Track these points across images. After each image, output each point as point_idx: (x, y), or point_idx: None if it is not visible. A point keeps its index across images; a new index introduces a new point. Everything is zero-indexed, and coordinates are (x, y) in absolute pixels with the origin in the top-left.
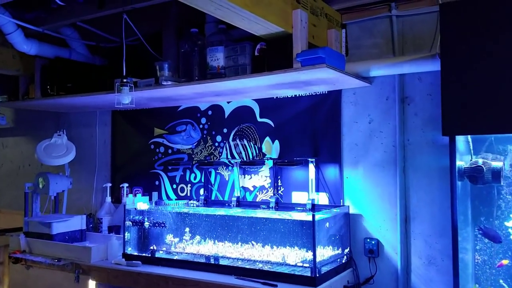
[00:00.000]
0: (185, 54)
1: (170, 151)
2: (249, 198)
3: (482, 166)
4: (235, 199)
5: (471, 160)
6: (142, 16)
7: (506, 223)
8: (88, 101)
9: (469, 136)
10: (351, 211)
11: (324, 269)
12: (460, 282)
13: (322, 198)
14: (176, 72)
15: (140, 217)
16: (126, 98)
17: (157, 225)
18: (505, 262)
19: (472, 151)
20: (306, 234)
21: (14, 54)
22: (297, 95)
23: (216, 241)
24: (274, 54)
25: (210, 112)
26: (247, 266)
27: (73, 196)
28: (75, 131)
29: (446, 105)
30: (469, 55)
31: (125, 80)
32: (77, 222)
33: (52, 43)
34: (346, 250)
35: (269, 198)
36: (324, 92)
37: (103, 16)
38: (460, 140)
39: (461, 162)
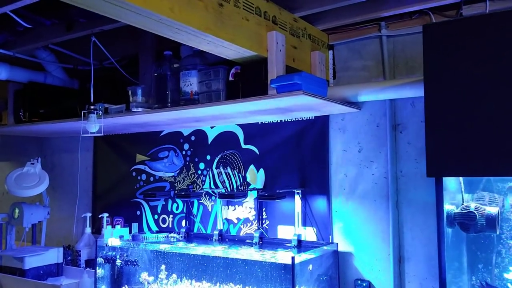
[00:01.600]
0: (159, 78)
1: (152, 178)
2: (233, 231)
3: (475, 212)
4: (217, 232)
5: (462, 203)
6: (119, 37)
7: (506, 275)
8: (61, 127)
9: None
10: (341, 248)
11: None
12: None
13: (310, 233)
14: (152, 97)
15: (113, 253)
16: (93, 126)
17: (129, 263)
18: None
19: (463, 193)
20: (285, 279)
21: None
22: (283, 121)
23: (193, 281)
24: (249, 79)
25: (193, 138)
26: None
27: (54, 225)
28: (57, 156)
29: (430, 143)
30: (455, 85)
31: (92, 107)
32: (53, 256)
33: (27, 67)
34: None
35: (254, 232)
36: (311, 118)
37: (76, 38)
38: (451, 179)
39: (451, 206)
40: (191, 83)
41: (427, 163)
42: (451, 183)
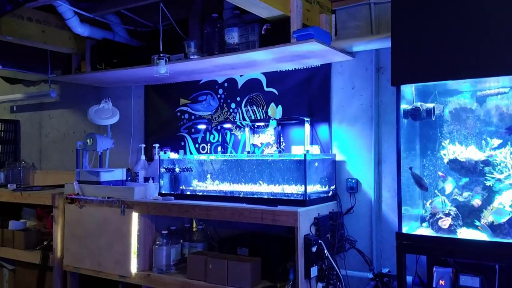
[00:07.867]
0: (207, 35)
1: (193, 117)
2: (258, 152)
3: (419, 107)
4: (245, 153)
5: (413, 103)
6: (171, 5)
7: (442, 151)
8: (129, 74)
9: (413, 89)
10: (337, 158)
11: (313, 197)
12: (408, 202)
13: (315, 150)
14: (200, 49)
15: (172, 166)
16: (163, 68)
17: (185, 170)
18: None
19: (414, 99)
20: (300, 169)
21: (70, 36)
22: (296, 68)
23: (231, 183)
24: (276, 33)
25: (226, 84)
26: (256, 197)
27: (113, 157)
28: (113, 103)
29: (394, 60)
30: (418, 15)
31: (161, 54)
32: (119, 174)
33: (99, 27)
34: (332, 187)
35: (274, 151)
36: (317, 65)
37: (141, 6)
38: (409, 92)
39: (406, 106)
40: (233, 37)
41: (391, 77)
42: (408, 94)
